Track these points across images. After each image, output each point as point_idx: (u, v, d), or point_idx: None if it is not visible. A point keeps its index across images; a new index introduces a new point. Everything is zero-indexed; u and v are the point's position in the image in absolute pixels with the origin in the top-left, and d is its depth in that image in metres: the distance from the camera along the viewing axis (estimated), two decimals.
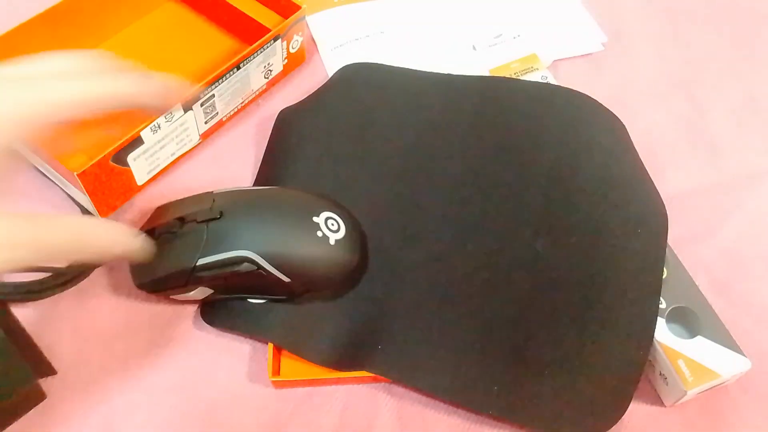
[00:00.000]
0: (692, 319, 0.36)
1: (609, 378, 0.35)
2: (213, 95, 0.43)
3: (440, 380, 0.35)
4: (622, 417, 0.34)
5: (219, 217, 0.36)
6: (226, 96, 0.44)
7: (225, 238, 0.35)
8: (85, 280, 0.40)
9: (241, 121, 0.48)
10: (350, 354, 0.36)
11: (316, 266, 0.37)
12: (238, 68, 0.44)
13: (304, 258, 0.36)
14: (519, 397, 0.35)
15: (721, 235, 0.43)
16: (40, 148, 0.40)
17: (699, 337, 0.35)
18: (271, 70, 0.46)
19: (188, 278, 0.36)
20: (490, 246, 0.39)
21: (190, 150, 0.45)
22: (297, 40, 0.46)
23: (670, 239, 0.39)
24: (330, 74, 0.50)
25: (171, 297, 0.38)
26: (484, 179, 0.41)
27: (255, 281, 0.36)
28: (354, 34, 0.53)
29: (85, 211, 0.42)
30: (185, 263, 0.35)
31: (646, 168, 0.43)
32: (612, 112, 0.45)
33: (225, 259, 0.35)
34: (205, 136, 0.46)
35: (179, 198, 0.39)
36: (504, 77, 0.48)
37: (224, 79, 0.43)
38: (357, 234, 0.38)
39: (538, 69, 0.49)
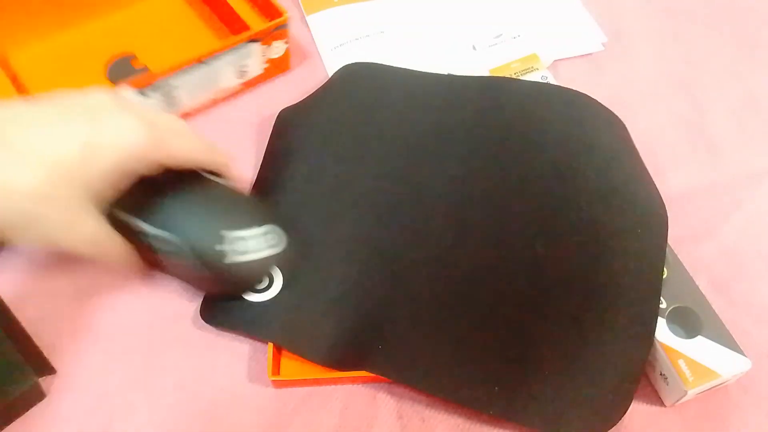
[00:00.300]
0: (692, 319, 0.36)
1: (609, 378, 0.35)
2: (174, 85, 0.43)
3: (440, 380, 0.35)
4: (622, 417, 0.34)
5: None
6: (189, 88, 0.45)
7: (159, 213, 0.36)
8: (85, 280, 0.40)
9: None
10: (350, 353, 0.36)
11: (214, 280, 0.37)
12: (203, 63, 0.44)
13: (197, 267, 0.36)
14: (519, 397, 0.35)
15: (721, 235, 0.43)
16: None
17: (699, 337, 0.35)
18: (245, 71, 0.47)
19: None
20: (491, 246, 0.39)
21: None
22: (279, 47, 0.47)
23: (670, 239, 0.39)
24: (330, 74, 0.50)
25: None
26: (484, 179, 0.41)
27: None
28: (354, 34, 0.53)
29: None
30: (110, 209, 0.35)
31: (647, 168, 0.43)
32: (612, 112, 0.45)
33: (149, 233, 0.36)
34: None
35: None
36: (504, 77, 0.48)
37: (186, 71, 0.44)
38: (272, 255, 0.38)
39: (538, 69, 0.49)
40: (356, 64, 0.48)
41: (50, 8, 0.49)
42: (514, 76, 0.49)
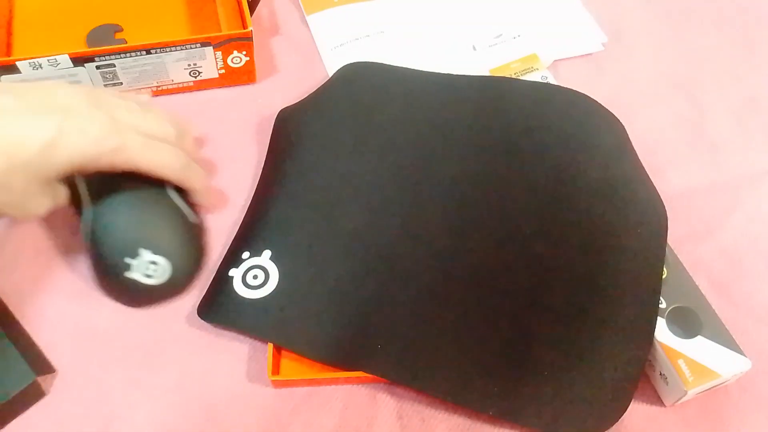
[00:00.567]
0: (692, 319, 0.36)
1: (609, 378, 0.35)
2: (113, 64, 0.45)
3: (440, 381, 0.35)
4: (622, 417, 0.34)
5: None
6: (131, 71, 0.46)
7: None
8: (85, 279, 0.40)
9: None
10: (349, 352, 0.36)
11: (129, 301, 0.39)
12: (148, 52, 0.45)
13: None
14: (519, 397, 0.35)
15: (721, 235, 0.43)
16: None
17: (699, 337, 0.35)
18: (198, 71, 0.48)
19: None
20: (490, 246, 0.39)
21: None
22: (240, 57, 0.48)
23: (670, 239, 0.39)
24: (330, 74, 0.50)
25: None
26: (483, 179, 0.41)
27: None
28: (354, 34, 0.53)
29: None
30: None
31: (646, 168, 0.43)
32: (612, 113, 0.45)
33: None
34: None
35: None
36: (504, 77, 0.48)
37: (128, 55, 0.45)
38: (183, 270, 0.39)
39: (538, 69, 0.49)
40: (356, 63, 0.49)
41: None
42: (514, 76, 0.49)
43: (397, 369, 0.36)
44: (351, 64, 0.49)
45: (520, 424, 0.35)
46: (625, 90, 0.50)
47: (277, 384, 0.37)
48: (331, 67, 0.51)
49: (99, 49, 0.44)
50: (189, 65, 0.47)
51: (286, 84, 0.50)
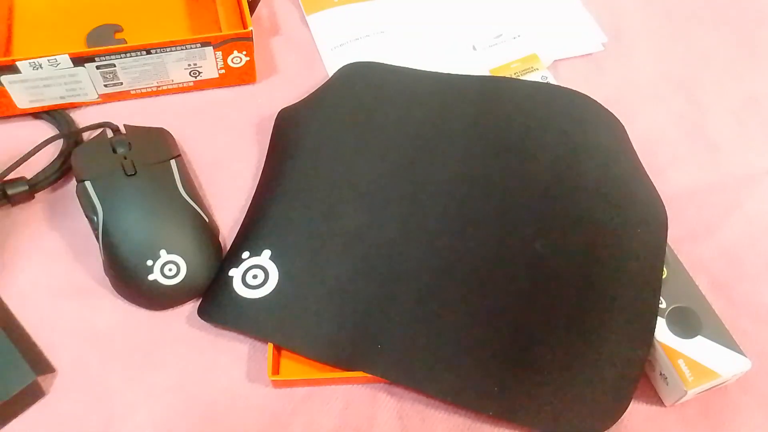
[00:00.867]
0: (692, 319, 0.36)
1: (609, 378, 0.35)
2: (113, 64, 0.45)
3: (440, 382, 0.35)
4: (622, 417, 0.34)
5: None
6: (131, 71, 0.46)
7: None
8: (85, 279, 0.40)
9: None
10: (349, 352, 0.36)
11: (151, 304, 0.39)
12: (148, 52, 0.45)
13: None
14: (519, 397, 0.35)
15: (721, 235, 0.43)
16: None
17: (699, 337, 0.35)
18: (199, 71, 0.48)
19: None
20: (490, 245, 0.39)
21: (90, 103, 0.48)
22: (240, 57, 0.48)
23: (670, 239, 0.39)
24: (330, 74, 0.50)
25: None
26: (483, 179, 0.41)
27: None
28: (354, 34, 0.53)
29: None
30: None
31: (646, 168, 0.43)
32: (611, 113, 0.45)
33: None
34: (108, 98, 0.48)
35: None
36: (504, 77, 0.48)
37: (128, 55, 0.45)
38: (202, 270, 0.39)
39: (538, 69, 0.49)
40: (356, 63, 0.49)
41: None
42: (514, 76, 0.49)
43: (397, 369, 0.36)
44: (351, 64, 0.49)
45: (520, 424, 0.35)
46: (625, 90, 0.50)
47: (277, 384, 0.37)
48: (331, 67, 0.51)
49: (99, 49, 0.44)
50: (189, 65, 0.47)
51: (286, 84, 0.50)
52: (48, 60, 0.44)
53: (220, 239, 0.42)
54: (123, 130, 0.44)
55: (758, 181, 0.45)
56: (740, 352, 0.35)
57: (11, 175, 0.43)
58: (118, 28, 0.51)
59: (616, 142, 0.44)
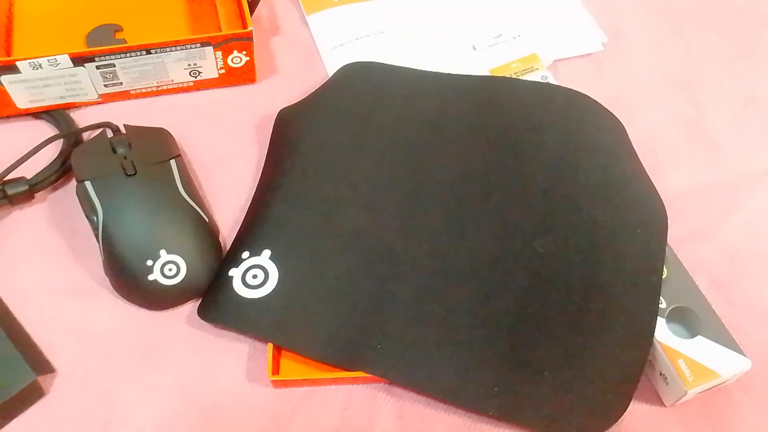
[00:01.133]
0: (692, 319, 0.36)
1: (609, 378, 0.35)
2: (113, 64, 0.45)
3: (440, 381, 0.35)
4: (622, 417, 0.34)
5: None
6: (131, 71, 0.46)
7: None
8: (85, 279, 0.40)
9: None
10: (349, 352, 0.36)
11: (151, 304, 0.39)
12: (148, 52, 0.45)
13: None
14: (519, 397, 0.35)
15: (721, 235, 0.43)
16: None
17: (699, 337, 0.35)
18: (198, 71, 0.48)
19: None
20: (490, 245, 0.39)
21: (90, 103, 0.48)
22: (240, 57, 0.48)
23: (670, 239, 0.39)
24: (330, 74, 0.50)
25: None
26: (483, 179, 0.41)
27: None
28: (354, 34, 0.53)
29: None
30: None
31: (646, 168, 0.43)
32: (611, 113, 0.45)
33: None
34: (108, 98, 0.48)
35: None
36: (504, 77, 0.48)
37: (128, 55, 0.45)
38: (203, 269, 0.39)
39: (538, 69, 0.49)
40: (356, 63, 0.49)
41: None
42: (514, 76, 0.49)
43: (397, 369, 0.36)
44: (351, 64, 0.49)
45: (520, 424, 0.35)
46: (625, 90, 0.50)
47: (277, 384, 0.37)
48: (331, 67, 0.51)
49: (99, 49, 0.44)
50: (189, 65, 0.47)
51: (286, 84, 0.50)
52: (48, 60, 0.44)
53: (220, 239, 0.42)
54: (123, 130, 0.44)
55: (758, 181, 0.45)
56: (740, 352, 0.35)
57: (11, 175, 0.43)
58: (118, 28, 0.51)
59: (616, 142, 0.44)
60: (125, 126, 0.43)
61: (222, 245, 0.41)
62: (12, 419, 0.35)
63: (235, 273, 0.39)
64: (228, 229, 0.42)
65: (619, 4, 0.56)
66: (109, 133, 0.43)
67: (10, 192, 0.42)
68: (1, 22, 0.50)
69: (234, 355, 0.38)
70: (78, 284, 0.40)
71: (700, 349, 0.35)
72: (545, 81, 0.49)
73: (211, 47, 0.46)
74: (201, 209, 0.41)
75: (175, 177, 0.41)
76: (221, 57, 0.47)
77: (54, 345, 0.38)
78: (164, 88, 0.48)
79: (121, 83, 0.47)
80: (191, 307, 0.39)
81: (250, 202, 0.43)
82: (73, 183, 0.43)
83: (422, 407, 0.36)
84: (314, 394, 0.37)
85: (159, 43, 0.45)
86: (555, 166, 0.41)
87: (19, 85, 0.45)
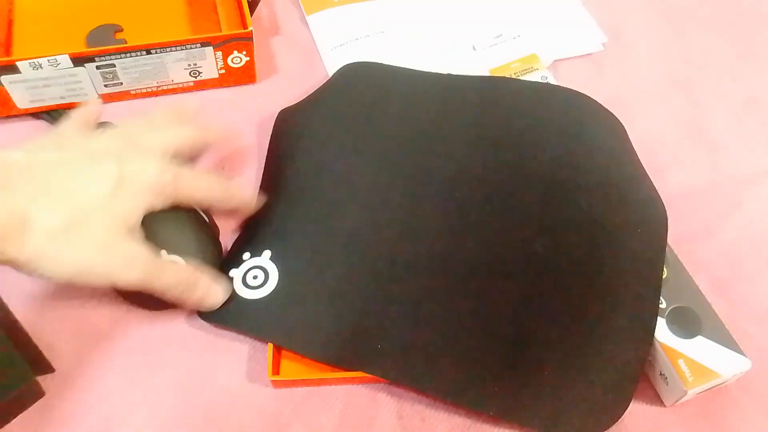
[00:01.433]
0: (692, 319, 0.36)
1: (609, 378, 0.35)
2: (113, 64, 0.45)
3: (440, 381, 0.35)
4: (622, 417, 0.34)
5: None
6: (131, 71, 0.46)
7: None
8: None
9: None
10: (348, 352, 0.36)
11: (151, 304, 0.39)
12: (148, 52, 0.45)
13: None
14: (519, 397, 0.35)
15: (721, 235, 0.43)
16: None
17: (699, 337, 0.35)
18: (199, 71, 0.48)
19: None
20: (490, 246, 0.39)
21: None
22: (240, 57, 0.48)
23: (670, 239, 0.39)
24: (330, 74, 0.50)
25: None
26: (483, 179, 0.41)
27: None
28: (354, 34, 0.53)
29: None
30: None
31: (646, 168, 0.43)
32: (611, 113, 0.45)
33: None
34: (108, 98, 0.48)
35: None
36: (504, 77, 0.48)
37: (128, 55, 0.45)
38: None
39: (538, 69, 0.49)
40: (356, 63, 0.49)
41: None
42: (514, 76, 0.49)
43: (397, 369, 0.36)
44: (351, 64, 0.49)
45: (520, 424, 0.35)
46: (625, 90, 0.50)
47: (277, 384, 0.37)
48: (331, 67, 0.51)
49: (99, 49, 0.44)
50: (189, 65, 0.47)
51: (286, 84, 0.50)
52: (48, 60, 0.44)
53: (221, 240, 0.42)
54: None
55: (758, 181, 0.45)
56: (740, 352, 0.35)
57: None
58: (118, 28, 0.51)
59: (616, 142, 0.44)
60: None
61: (222, 246, 0.41)
62: (12, 419, 0.35)
63: (235, 273, 0.39)
64: (228, 230, 0.42)
65: (619, 4, 0.56)
66: None
67: None
68: (1, 22, 0.50)
69: (234, 355, 0.38)
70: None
71: (700, 349, 0.35)
72: (545, 81, 0.49)
73: (211, 47, 0.46)
74: (201, 210, 0.41)
75: None
76: (221, 57, 0.47)
77: (54, 345, 0.38)
78: (164, 88, 0.48)
79: (121, 83, 0.47)
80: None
81: None
82: None
83: (422, 407, 0.36)
84: (314, 394, 0.37)
85: (159, 44, 0.45)
86: (555, 166, 0.41)
87: (19, 85, 0.45)
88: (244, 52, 0.48)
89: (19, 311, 0.39)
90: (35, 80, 0.45)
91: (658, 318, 0.36)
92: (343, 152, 0.43)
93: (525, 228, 0.39)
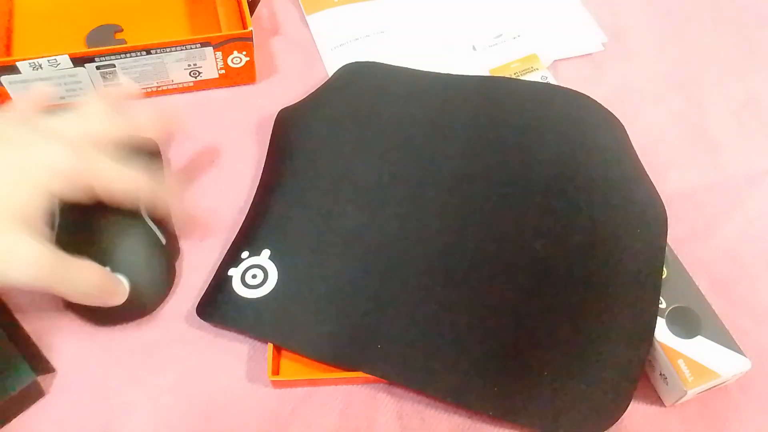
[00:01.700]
0: (692, 319, 0.36)
1: (609, 378, 0.35)
2: (113, 64, 0.45)
3: (440, 382, 0.35)
4: (622, 417, 0.34)
5: None
6: (131, 71, 0.46)
7: None
8: None
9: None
10: (348, 352, 0.36)
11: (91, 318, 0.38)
12: (148, 52, 0.45)
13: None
14: (519, 397, 0.35)
15: (721, 235, 0.43)
16: None
17: (699, 337, 0.35)
18: (198, 72, 0.48)
19: None
20: (490, 246, 0.39)
21: None
22: (240, 58, 0.48)
23: (670, 239, 0.39)
24: (330, 74, 0.50)
25: None
26: (483, 179, 0.41)
27: None
28: (354, 34, 0.53)
29: None
30: None
31: (646, 168, 0.43)
32: (611, 113, 0.45)
33: None
34: None
35: None
36: (504, 77, 0.48)
37: (128, 55, 0.45)
38: (149, 291, 0.38)
39: (538, 69, 0.49)
40: (356, 63, 0.49)
41: None
42: (514, 76, 0.49)
43: (397, 369, 0.36)
44: (351, 64, 0.49)
45: (520, 424, 0.35)
46: (625, 90, 0.50)
47: (277, 384, 0.37)
48: (331, 67, 0.51)
49: (99, 50, 0.44)
50: (189, 65, 0.47)
51: (286, 84, 0.50)
52: (48, 60, 0.44)
53: (220, 239, 0.42)
54: None
55: (758, 181, 0.45)
56: (740, 352, 0.35)
57: None
58: (118, 28, 0.51)
59: (616, 142, 0.44)
60: None
61: (221, 246, 0.41)
62: (12, 419, 0.35)
63: (234, 273, 0.39)
64: (228, 230, 0.42)
65: (619, 4, 0.56)
66: None
67: None
68: (1, 22, 0.50)
69: (234, 355, 0.38)
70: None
71: (700, 349, 0.35)
72: (545, 81, 0.49)
73: (211, 47, 0.46)
74: (161, 230, 0.39)
75: None
76: (221, 57, 0.47)
77: (54, 345, 0.38)
78: (164, 88, 0.48)
79: (121, 83, 0.47)
80: (191, 307, 0.39)
81: (250, 202, 0.43)
82: None
83: (422, 407, 0.36)
84: (314, 394, 0.37)
85: (159, 44, 0.45)
86: (555, 166, 0.41)
87: (19, 86, 0.45)
88: (244, 53, 0.48)
89: (19, 312, 0.39)
90: (35, 80, 0.45)
91: (658, 318, 0.36)
92: (342, 152, 0.43)
93: (525, 228, 0.39)
